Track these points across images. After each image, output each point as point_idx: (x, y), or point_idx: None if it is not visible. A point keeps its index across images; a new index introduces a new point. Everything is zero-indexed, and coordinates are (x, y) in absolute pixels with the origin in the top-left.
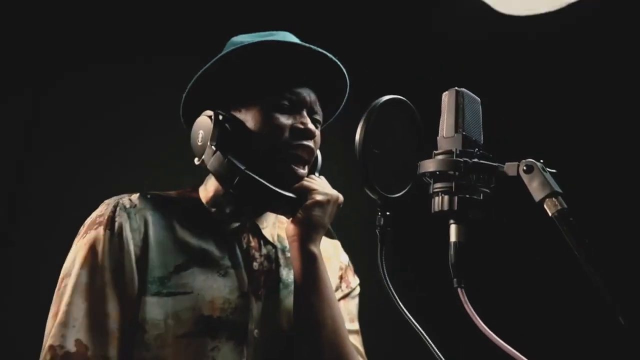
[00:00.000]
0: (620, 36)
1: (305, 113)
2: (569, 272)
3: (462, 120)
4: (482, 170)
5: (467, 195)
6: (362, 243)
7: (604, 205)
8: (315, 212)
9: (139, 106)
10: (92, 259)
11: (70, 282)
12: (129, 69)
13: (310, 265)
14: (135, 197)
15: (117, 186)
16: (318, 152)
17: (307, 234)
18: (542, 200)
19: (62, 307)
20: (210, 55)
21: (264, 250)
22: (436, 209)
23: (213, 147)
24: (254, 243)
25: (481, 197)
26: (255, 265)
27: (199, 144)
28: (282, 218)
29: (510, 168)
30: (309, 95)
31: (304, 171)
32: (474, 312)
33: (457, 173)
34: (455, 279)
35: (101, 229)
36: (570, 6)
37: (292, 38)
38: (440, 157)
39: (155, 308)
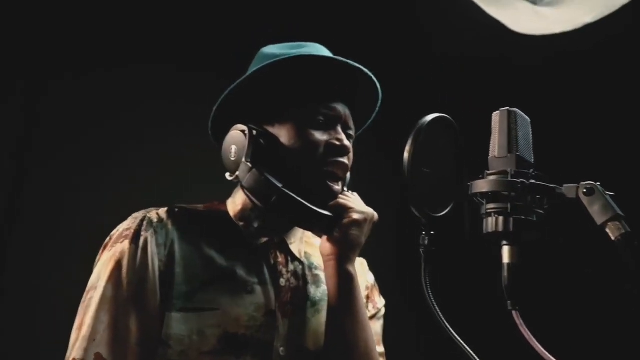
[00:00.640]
0: None
1: (339, 129)
2: (623, 293)
3: (515, 141)
4: (538, 191)
5: (523, 217)
6: (379, 261)
7: None
8: (353, 231)
9: (144, 113)
10: (116, 273)
11: (95, 296)
12: (140, 74)
13: (346, 286)
14: (162, 211)
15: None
16: None
17: (344, 254)
18: (604, 224)
19: (87, 320)
20: (219, 66)
21: (291, 267)
22: (489, 229)
23: (249, 163)
24: (281, 259)
25: (535, 219)
26: (282, 281)
27: (232, 159)
28: (309, 234)
29: (569, 190)
30: (343, 110)
31: (338, 187)
32: (530, 334)
33: (513, 194)
34: (509, 301)
35: (127, 243)
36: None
37: (325, 51)
38: (493, 177)
39: (179, 324)
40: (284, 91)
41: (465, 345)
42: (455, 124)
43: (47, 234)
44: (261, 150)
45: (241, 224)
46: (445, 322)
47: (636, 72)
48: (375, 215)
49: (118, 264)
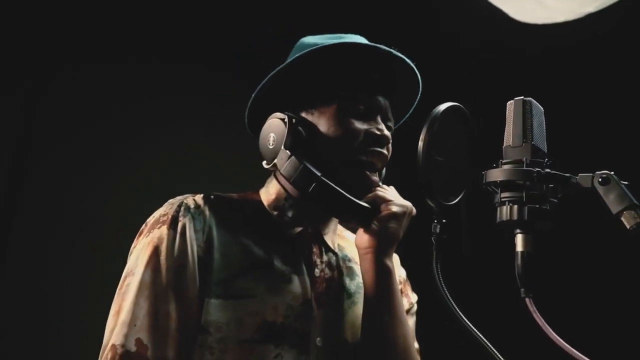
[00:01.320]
0: None
1: (379, 119)
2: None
3: (530, 130)
4: (553, 180)
5: (537, 206)
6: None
7: None
8: (391, 224)
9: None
10: (155, 258)
11: (133, 282)
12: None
13: (384, 280)
14: (199, 197)
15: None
16: None
17: (382, 247)
18: (620, 213)
19: (125, 306)
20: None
21: (325, 257)
22: (503, 218)
23: (288, 151)
24: (315, 249)
25: (549, 208)
26: (317, 272)
27: (270, 147)
28: (341, 227)
29: (584, 179)
30: (384, 100)
31: (376, 179)
32: (544, 321)
33: (528, 183)
34: (522, 289)
35: (164, 229)
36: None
37: (365, 41)
38: (508, 166)
39: (218, 311)
40: (325, 79)
41: (479, 333)
42: (469, 113)
43: (48, 233)
44: (300, 138)
45: (275, 213)
46: (457, 309)
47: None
48: (414, 209)
49: (156, 250)
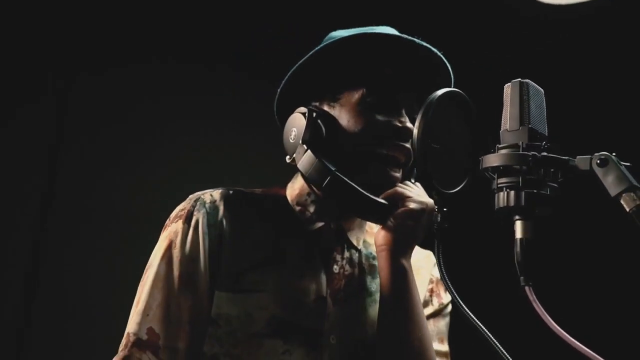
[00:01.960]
0: None
1: (404, 112)
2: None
3: (527, 113)
4: (551, 164)
5: (535, 191)
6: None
7: None
8: (408, 222)
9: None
10: (169, 252)
11: (150, 274)
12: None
13: (398, 280)
14: (216, 192)
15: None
16: None
17: (397, 245)
18: (619, 195)
19: (142, 297)
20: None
21: (346, 254)
22: (501, 204)
23: (304, 146)
24: (336, 245)
25: (549, 193)
26: (336, 268)
27: (291, 141)
28: (371, 223)
29: (582, 162)
30: (410, 93)
31: (398, 175)
32: (543, 310)
33: (524, 167)
34: (522, 277)
35: (180, 223)
36: None
37: (393, 32)
38: (505, 151)
39: (228, 304)
40: (347, 71)
41: (480, 323)
42: (468, 98)
43: (81, 226)
44: (319, 132)
45: (298, 208)
46: (460, 300)
47: None
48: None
49: (171, 243)
